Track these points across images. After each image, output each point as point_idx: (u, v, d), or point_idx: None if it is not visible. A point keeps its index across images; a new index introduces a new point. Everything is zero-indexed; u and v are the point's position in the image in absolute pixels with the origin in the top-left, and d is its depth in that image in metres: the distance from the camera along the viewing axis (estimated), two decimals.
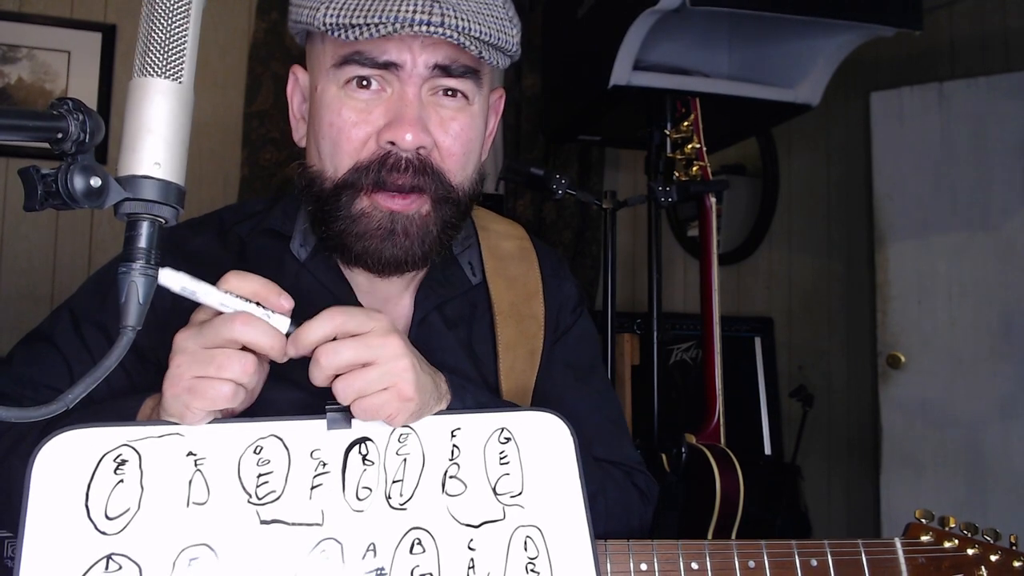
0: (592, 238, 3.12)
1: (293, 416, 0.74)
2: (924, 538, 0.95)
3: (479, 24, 0.81)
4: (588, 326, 1.11)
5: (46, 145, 0.57)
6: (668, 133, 2.04)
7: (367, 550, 0.72)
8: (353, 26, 0.79)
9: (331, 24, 0.80)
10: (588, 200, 1.92)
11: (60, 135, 0.56)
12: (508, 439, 0.79)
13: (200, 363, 0.67)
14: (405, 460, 0.76)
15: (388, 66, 0.83)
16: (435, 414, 0.79)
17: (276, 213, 0.99)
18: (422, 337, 0.96)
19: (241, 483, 0.71)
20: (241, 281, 0.69)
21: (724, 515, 1.66)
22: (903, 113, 3.14)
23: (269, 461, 0.72)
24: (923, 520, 0.96)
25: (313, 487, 0.73)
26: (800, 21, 2.03)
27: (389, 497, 0.74)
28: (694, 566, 0.85)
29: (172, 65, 0.60)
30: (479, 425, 0.79)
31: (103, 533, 0.67)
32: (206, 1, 0.64)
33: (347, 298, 0.94)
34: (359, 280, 0.95)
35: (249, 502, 0.71)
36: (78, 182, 0.56)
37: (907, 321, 3.13)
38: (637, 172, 3.28)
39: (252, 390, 0.71)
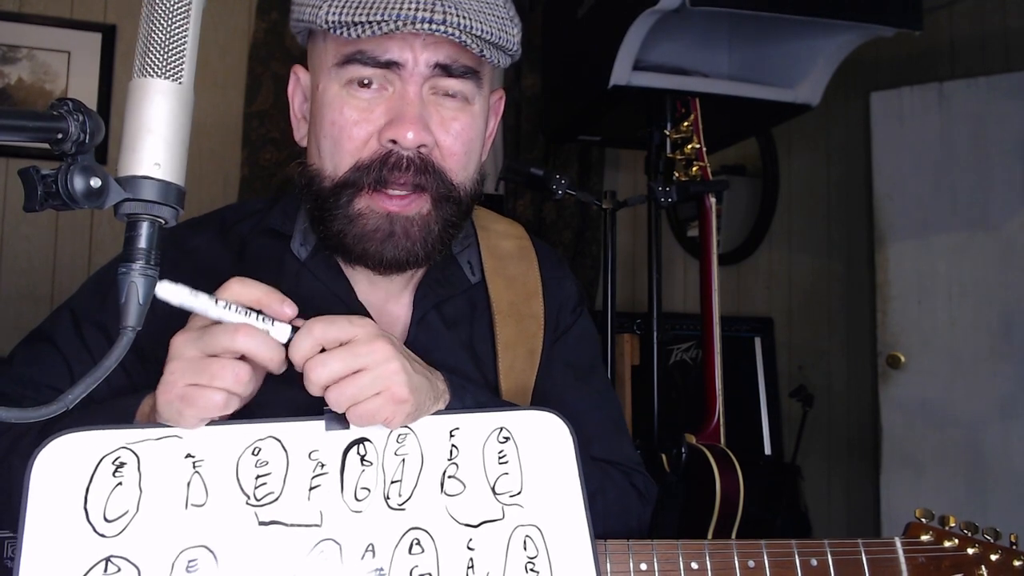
0: (592, 238, 3.12)
1: (291, 417, 0.74)
2: (924, 537, 0.94)
3: (480, 23, 0.81)
4: (588, 325, 1.11)
5: (46, 145, 0.57)
6: (668, 133, 2.04)
7: (366, 551, 0.72)
8: (356, 24, 0.79)
9: (333, 22, 0.80)
10: (588, 200, 1.92)
11: (60, 135, 0.56)
12: (507, 438, 0.79)
13: (194, 371, 0.67)
14: (403, 460, 0.76)
15: (390, 65, 0.83)
16: (433, 414, 0.79)
17: (276, 212, 0.99)
18: (421, 336, 0.96)
19: (239, 485, 0.71)
20: (243, 288, 0.69)
21: (724, 515, 1.66)
22: (903, 113, 3.14)
23: (267, 463, 0.72)
24: (923, 519, 0.96)
25: (311, 488, 0.72)
26: (800, 21, 2.03)
27: (388, 497, 0.74)
28: (694, 566, 0.85)
29: (172, 65, 0.60)
30: (478, 425, 0.79)
31: (102, 535, 0.67)
32: (206, 1, 0.64)
33: (347, 297, 0.94)
34: (359, 279, 0.95)
35: (247, 503, 0.71)
36: (78, 182, 0.56)
37: (907, 321, 3.13)
38: (637, 172, 3.28)
39: (246, 396, 0.71)
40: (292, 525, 0.71)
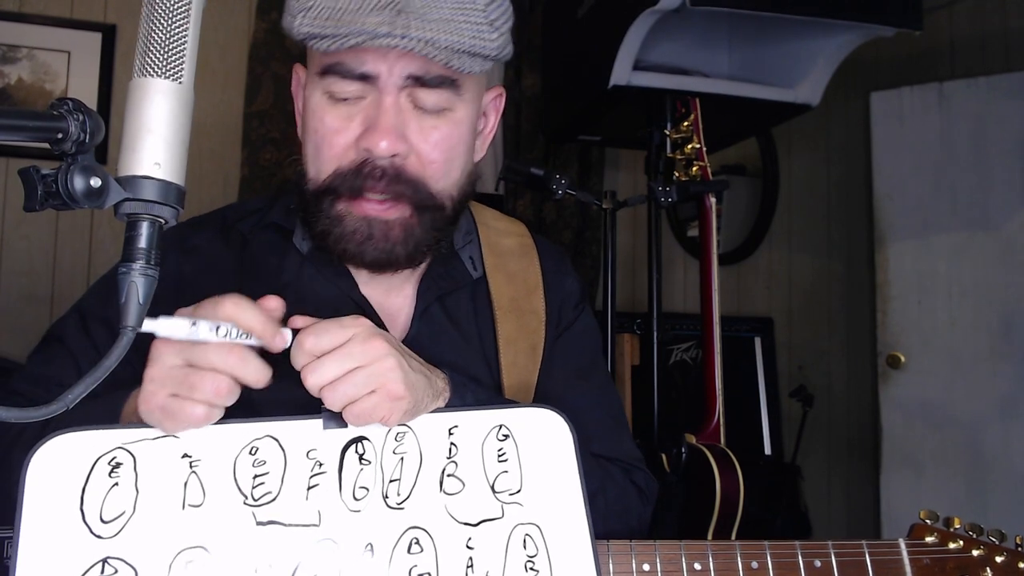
0: (592, 238, 3.12)
1: (289, 416, 0.74)
2: (929, 539, 0.94)
3: (448, 34, 0.81)
4: (590, 322, 1.11)
5: (46, 145, 0.57)
6: (668, 133, 2.04)
7: (364, 550, 0.72)
8: (325, 37, 0.81)
9: (306, 33, 0.82)
10: (588, 200, 1.92)
11: (60, 135, 0.56)
12: (506, 436, 0.78)
13: (175, 381, 0.67)
14: (402, 459, 0.75)
15: (365, 77, 0.85)
16: (433, 412, 0.78)
17: (278, 208, 1.01)
18: (424, 328, 0.97)
19: (237, 484, 0.71)
20: (238, 312, 0.68)
21: (724, 515, 1.66)
22: (903, 113, 3.14)
23: (265, 462, 0.72)
24: (928, 521, 0.95)
25: (309, 487, 0.72)
26: (800, 21, 2.03)
27: (386, 496, 0.74)
28: (697, 566, 0.85)
29: (172, 65, 0.60)
30: (477, 422, 0.78)
31: (98, 537, 0.67)
32: (206, 1, 0.64)
33: (349, 290, 0.96)
34: (361, 272, 0.96)
35: (245, 503, 0.71)
36: (78, 182, 0.56)
37: (907, 321, 3.13)
38: (637, 172, 3.28)
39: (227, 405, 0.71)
40: (290, 525, 0.71)
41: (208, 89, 2.77)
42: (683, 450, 1.78)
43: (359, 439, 0.75)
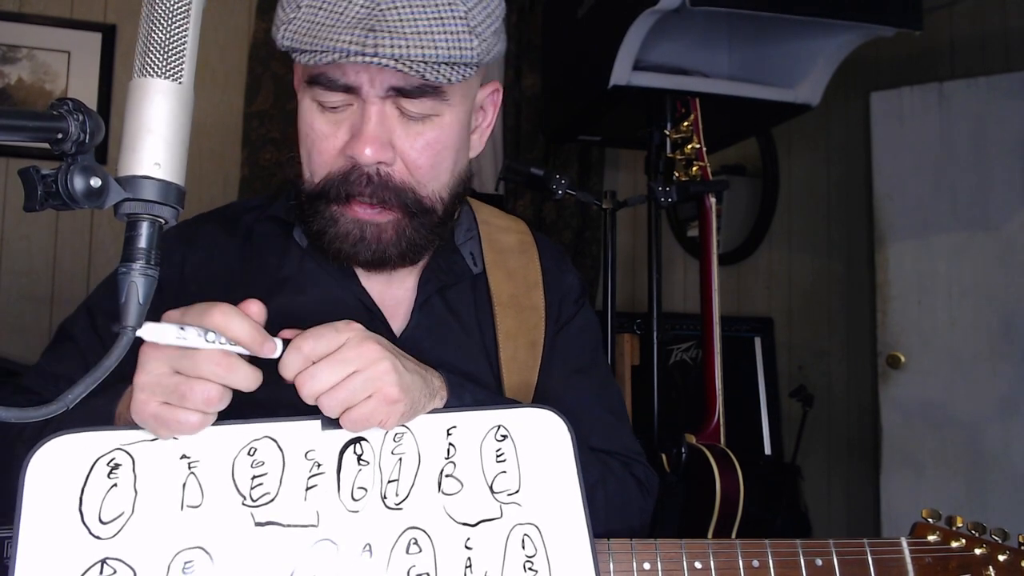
0: (592, 238, 3.12)
1: (287, 417, 0.74)
2: (931, 537, 0.93)
3: (421, 47, 0.80)
4: (590, 317, 1.12)
5: (46, 145, 0.57)
6: (668, 133, 2.04)
7: (363, 551, 0.72)
8: (303, 51, 0.82)
9: (287, 47, 0.84)
10: (588, 200, 1.92)
11: (60, 135, 0.56)
12: (505, 436, 0.79)
13: (164, 390, 0.67)
14: (400, 459, 0.75)
15: (348, 89, 0.86)
16: (431, 412, 0.78)
17: (280, 203, 1.03)
18: (424, 320, 0.98)
19: (235, 485, 0.71)
20: (226, 322, 0.68)
21: (724, 515, 1.66)
22: (903, 113, 3.14)
23: (263, 463, 0.72)
24: (930, 520, 0.95)
25: (308, 488, 0.72)
26: (800, 21, 2.03)
27: (385, 497, 0.74)
28: (697, 565, 0.85)
29: (172, 65, 0.60)
30: (475, 423, 0.79)
31: (97, 538, 0.67)
32: (206, 1, 0.64)
33: (350, 282, 0.97)
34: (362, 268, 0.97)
35: (244, 504, 0.71)
36: (78, 182, 0.56)
37: (907, 321, 3.13)
38: (637, 172, 3.28)
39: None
40: (289, 526, 0.71)
41: (208, 89, 2.77)
42: (683, 450, 1.78)
43: (357, 440, 0.75)
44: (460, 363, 0.96)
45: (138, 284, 0.60)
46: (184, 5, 0.61)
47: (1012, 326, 2.92)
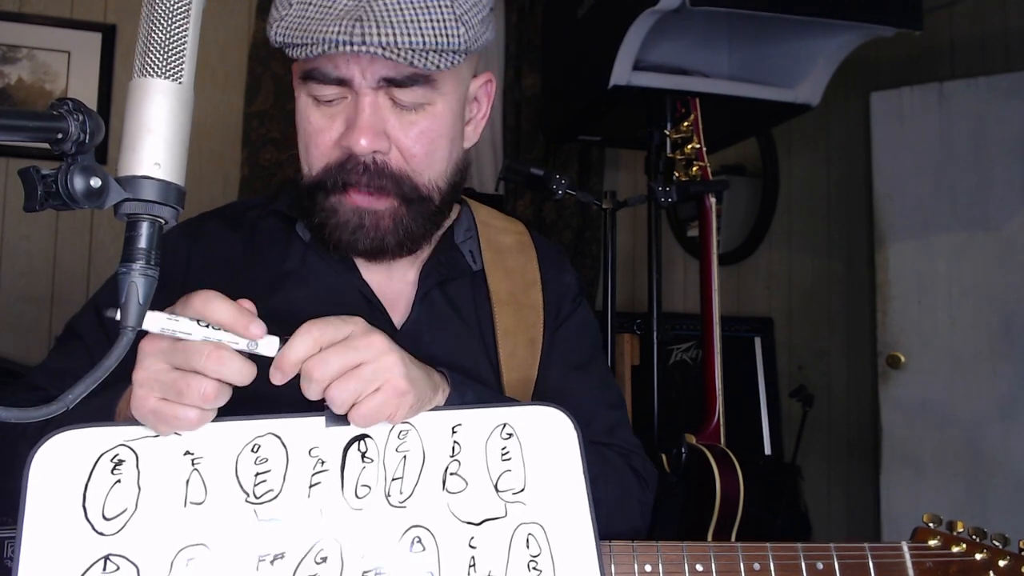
0: (592, 238, 3.12)
1: (291, 413, 0.74)
2: (932, 542, 0.93)
3: (409, 35, 0.82)
4: (588, 315, 1.13)
5: (46, 145, 0.57)
6: (668, 133, 2.04)
7: (367, 549, 0.71)
8: (295, 46, 0.84)
9: (280, 42, 0.86)
10: (588, 200, 1.92)
11: (60, 135, 0.56)
12: (510, 435, 0.78)
13: (161, 386, 0.67)
14: (405, 457, 0.75)
15: (341, 81, 0.88)
16: (433, 409, 0.78)
17: (283, 198, 1.05)
18: (424, 313, 0.98)
19: (239, 482, 0.71)
20: (205, 305, 0.67)
21: (724, 515, 1.66)
22: (903, 113, 3.14)
23: (267, 460, 0.72)
24: (931, 524, 0.95)
25: (311, 485, 0.72)
26: (800, 21, 2.03)
27: (388, 495, 0.73)
28: (699, 568, 0.85)
29: (172, 65, 0.60)
30: (480, 421, 0.78)
31: (101, 534, 0.67)
32: (206, 1, 0.64)
33: (351, 275, 0.98)
34: (361, 259, 0.98)
35: (247, 501, 0.70)
36: (78, 182, 0.56)
37: (907, 321, 3.13)
38: (637, 172, 3.28)
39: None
40: (291, 523, 0.71)
41: (208, 89, 2.77)
42: (683, 450, 1.78)
43: (361, 437, 0.75)
44: (460, 357, 0.97)
45: (138, 284, 0.60)
46: (184, 5, 0.61)
47: (1012, 326, 2.92)
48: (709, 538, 1.66)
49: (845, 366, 3.59)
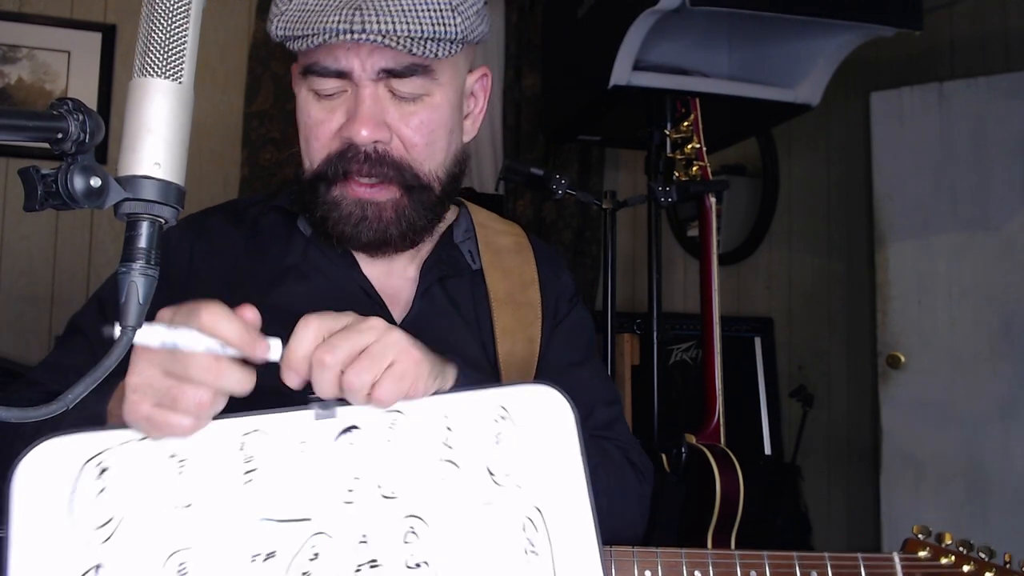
0: (592, 238, 3.12)
1: (277, 408, 0.71)
2: (921, 553, 0.96)
3: (406, 23, 0.84)
4: (584, 314, 1.14)
5: (46, 145, 0.56)
6: (668, 133, 2.04)
7: (359, 542, 0.70)
8: (295, 38, 0.86)
9: (281, 36, 0.88)
10: (588, 200, 1.92)
11: (60, 135, 0.56)
12: (503, 417, 0.75)
13: (156, 392, 0.65)
14: (396, 446, 0.73)
15: (341, 74, 0.90)
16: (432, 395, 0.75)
17: (284, 194, 1.06)
18: (425, 308, 0.99)
19: (226, 482, 0.69)
20: (214, 322, 0.65)
21: (724, 515, 1.66)
22: (903, 113, 3.14)
23: (253, 458, 0.70)
24: (920, 536, 0.97)
25: (301, 481, 0.71)
26: (800, 21, 2.03)
27: (380, 486, 0.72)
28: (697, 574, 0.86)
29: (172, 65, 0.60)
30: (472, 404, 0.75)
31: (89, 542, 0.66)
32: (206, 1, 0.64)
33: (352, 271, 0.99)
34: (362, 254, 0.99)
35: (236, 501, 0.69)
36: (78, 182, 0.56)
37: (907, 321, 3.13)
38: (637, 172, 3.28)
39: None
40: (283, 521, 0.70)
41: (208, 89, 2.77)
42: (683, 450, 1.78)
43: (350, 428, 0.72)
44: (459, 353, 0.96)
45: (138, 284, 0.60)
46: (184, 5, 0.61)
47: (1012, 326, 2.92)
48: (709, 537, 1.66)
49: (845, 366, 3.60)
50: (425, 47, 0.86)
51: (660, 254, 2.05)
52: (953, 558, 0.95)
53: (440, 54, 0.88)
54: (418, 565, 0.71)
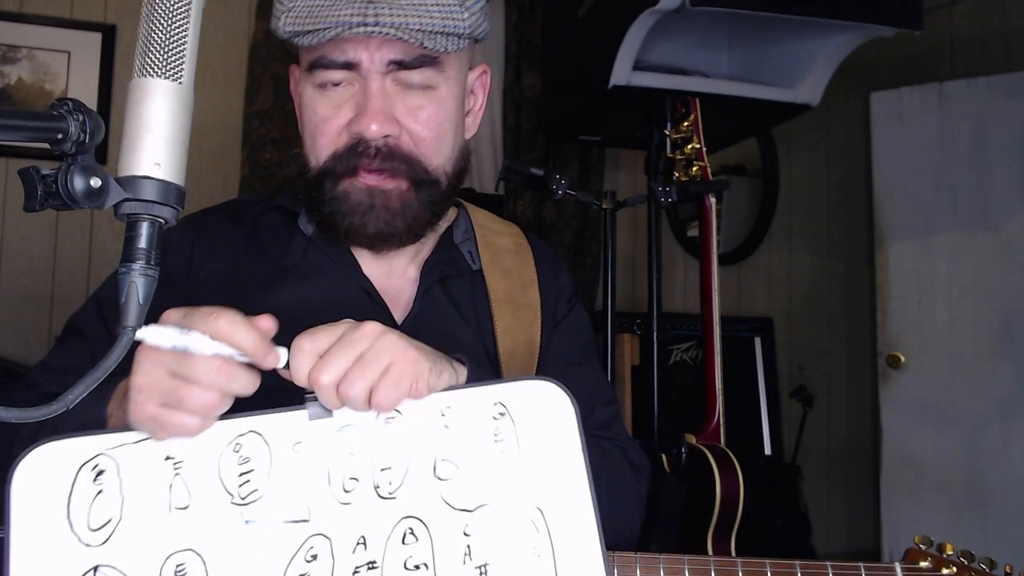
0: (592, 238, 3.12)
1: (272, 409, 0.71)
2: (923, 564, 0.96)
3: (418, 16, 0.86)
4: (583, 315, 1.14)
5: (46, 145, 0.56)
6: (668, 133, 2.04)
7: (357, 544, 0.70)
8: (305, 32, 0.87)
9: (289, 31, 0.88)
10: (588, 200, 1.92)
11: (60, 135, 0.56)
12: (503, 414, 0.73)
13: (162, 393, 0.65)
14: (393, 446, 0.72)
15: (348, 66, 0.90)
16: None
17: (285, 194, 1.06)
18: (426, 308, 0.99)
19: (223, 484, 0.69)
20: (232, 331, 0.65)
21: (724, 515, 1.66)
22: (903, 113, 3.14)
23: (249, 459, 0.70)
24: (922, 546, 0.97)
25: (297, 482, 0.70)
26: (800, 21, 2.03)
27: (377, 486, 0.71)
28: None
29: (172, 65, 0.60)
30: (471, 401, 0.74)
31: (87, 545, 0.66)
32: (206, 1, 0.64)
33: (353, 270, 0.98)
34: (364, 254, 0.99)
35: (232, 503, 0.69)
36: (78, 182, 0.56)
37: (907, 321, 3.13)
38: (637, 172, 3.28)
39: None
40: (279, 522, 0.69)
41: (208, 89, 2.77)
42: (683, 450, 1.78)
43: (346, 427, 0.72)
44: (461, 353, 0.96)
45: (138, 284, 0.60)
46: (184, 5, 0.61)
47: (1012, 326, 2.92)
48: (709, 538, 1.66)
49: (845, 366, 3.60)
50: (436, 41, 0.87)
51: (660, 254, 2.05)
52: (955, 568, 0.95)
53: (450, 48, 0.89)
54: (417, 567, 0.70)
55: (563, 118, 2.57)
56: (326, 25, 0.84)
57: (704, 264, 1.93)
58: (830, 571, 0.90)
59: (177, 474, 0.69)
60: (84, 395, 0.58)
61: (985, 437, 2.94)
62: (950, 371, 3.03)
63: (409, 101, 0.91)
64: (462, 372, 0.77)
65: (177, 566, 0.67)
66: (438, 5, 0.87)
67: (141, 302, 0.60)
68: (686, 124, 1.99)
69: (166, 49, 0.60)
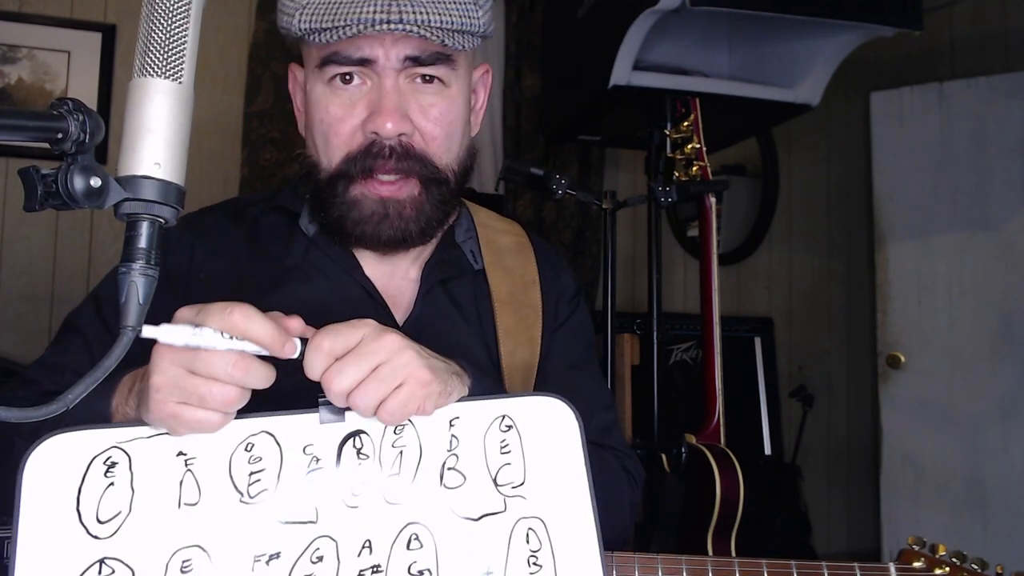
0: (592, 238, 3.12)
1: (285, 411, 0.72)
2: (916, 564, 0.97)
3: (439, 14, 0.86)
4: (585, 316, 1.13)
5: (46, 145, 0.56)
6: (668, 133, 2.04)
7: (363, 547, 0.71)
8: (324, 30, 0.86)
9: (306, 29, 0.87)
10: (588, 200, 1.92)
11: (60, 135, 0.56)
12: (510, 427, 0.76)
13: (181, 391, 0.66)
14: (401, 453, 0.73)
15: (363, 62, 0.89)
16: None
17: (286, 193, 1.05)
18: (427, 310, 0.99)
19: (233, 482, 0.70)
20: (247, 323, 0.66)
21: (724, 515, 1.66)
22: (903, 113, 3.14)
23: (261, 458, 0.71)
24: (915, 547, 0.98)
25: (306, 484, 0.71)
26: (800, 21, 2.03)
27: (385, 492, 0.72)
28: None
29: (172, 65, 0.60)
30: (479, 413, 0.76)
31: (95, 537, 0.67)
32: (206, 1, 0.64)
33: (354, 272, 0.98)
34: (365, 255, 0.99)
35: (241, 501, 0.70)
36: (78, 182, 0.56)
37: (907, 321, 3.13)
38: (637, 172, 3.28)
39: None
40: (287, 523, 0.70)
41: (208, 89, 2.77)
42: (683, 450, 1.78)
43: (357, 433, 0.73)
44: (462, 354, 0.96)
45: (138, 284, 0.60)
46: (184, 5, 0.61)
47: (1012, 326, 2.92)
48: (709, 537, 1.66)
49: (845, 366, 3.60)
50: (454, 38, 0.88)
51: (660, 254, 2.05)
52: (947, 569, 0.97)
53: (466, 46, 0.89)
54: (421, 573, 0.71)
55: (563, 118, 2.57)
56: (347, 22, 0.84)
57: (704, 264, 1.93)
58: (825, 571, 0.91)
59: (188, 470, 0.70)
60: (84, 395, 0.58)
61: (985, 437, 2.94)
62: (950, 371, 3.03)
63: (421, 99, 0.91)
64: (463, 387, 0.78)
65: (183, 562, 0.68)
66: (456, 3, 0.88)
67: (141, 302, 0.60)
68: (686, 124, 1.99)
69: (166, 49, 0.60)
